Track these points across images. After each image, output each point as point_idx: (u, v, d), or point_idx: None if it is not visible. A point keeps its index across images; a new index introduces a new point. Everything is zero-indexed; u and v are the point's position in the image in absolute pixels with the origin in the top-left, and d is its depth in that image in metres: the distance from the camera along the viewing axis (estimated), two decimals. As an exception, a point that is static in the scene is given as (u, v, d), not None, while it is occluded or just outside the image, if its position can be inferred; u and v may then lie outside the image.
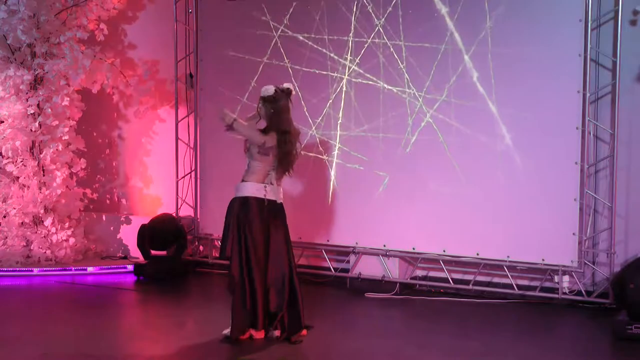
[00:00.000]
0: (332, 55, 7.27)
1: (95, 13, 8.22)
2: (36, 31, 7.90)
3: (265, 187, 5.49)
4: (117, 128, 8.66)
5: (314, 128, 7.38)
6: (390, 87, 7.03)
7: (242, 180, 5.50)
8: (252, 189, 5.46)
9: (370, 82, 7.12)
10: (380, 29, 7.02)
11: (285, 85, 5.53)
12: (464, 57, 6.66)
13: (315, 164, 7.36)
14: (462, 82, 6.69)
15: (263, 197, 5.46)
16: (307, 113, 7.36)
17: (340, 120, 7.26)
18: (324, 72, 7.30)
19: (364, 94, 7.16)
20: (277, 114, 5.46)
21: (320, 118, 7.34)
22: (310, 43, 7.34)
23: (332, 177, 7.30)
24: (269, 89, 5.46)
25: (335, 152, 7.27)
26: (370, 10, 7.07)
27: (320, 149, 7.33)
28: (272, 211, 5.53)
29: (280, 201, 5.56)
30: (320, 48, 7.32)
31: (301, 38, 7.37)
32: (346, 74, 7.20)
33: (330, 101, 7.29)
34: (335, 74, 7.27)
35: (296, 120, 5.76)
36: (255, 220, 5.44)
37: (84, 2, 8.13)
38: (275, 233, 5.52)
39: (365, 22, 7.13)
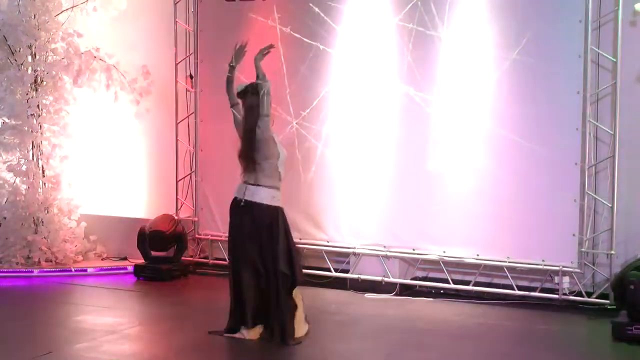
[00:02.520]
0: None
1: (95, 14, 8.21)
2: (36, 32, 7.90)
3: (245, 187, 5.50)
4: (117, 129, 8.64)
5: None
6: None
7: None
8: (236, 188, 5.57)
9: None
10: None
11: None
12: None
13: (315, 163, 7.35)
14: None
15: (237, 196, 5.52)
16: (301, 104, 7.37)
17: (328, 120, 7.24)
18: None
19: (376, 93, 7.07)
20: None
21: (308, 110, 7.32)
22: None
23: (332, 177, 7.29)
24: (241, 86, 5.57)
25: (336, 151, 7.27)
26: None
27: (317, 144, 7.33)
28: (250, 213, 5.48)
29: (260, 201, 5.45)
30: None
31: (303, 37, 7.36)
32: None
33: (328, 92, 7.26)
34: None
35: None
36: (232, 221, 5.54)
37: (84, 3, 8.13)
38: (254, 237, 5.48)
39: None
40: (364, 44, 7.08)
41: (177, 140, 8.19)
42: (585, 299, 6.41)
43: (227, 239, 5.67)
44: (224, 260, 6.50)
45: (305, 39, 7.29)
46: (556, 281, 6.50)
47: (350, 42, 7.14)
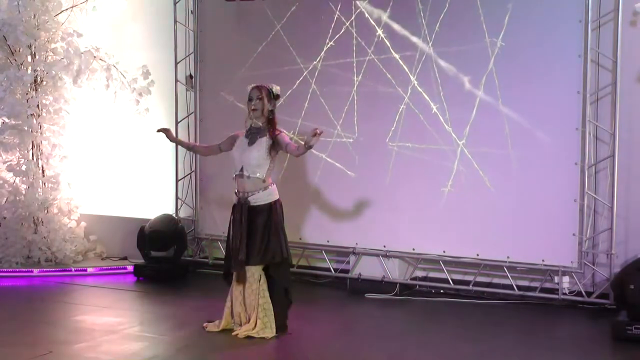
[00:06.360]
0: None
1: (95, 14, 8.21)
2: (36, 32, 7.90)
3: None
4: (117, 129, 8.65)
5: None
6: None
7: None
8: None
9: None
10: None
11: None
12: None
13: (316, 163, 7.35)
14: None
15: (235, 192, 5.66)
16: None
17: (340, 123, 7.27)
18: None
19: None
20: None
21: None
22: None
23: (333, 177, 7.29)
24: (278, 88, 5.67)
25: (336, 151, 7.27)
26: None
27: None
28: (242, 206, 5.57)
29: (247, 195, 5.54)
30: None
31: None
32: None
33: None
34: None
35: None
36: (231, 216, 5.68)
37: (84, 2, 8.13)
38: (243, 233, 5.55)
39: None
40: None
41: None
42: (585, 298, 6.41)
43: (226, 238, 5.77)
44: (223, 260, 6.49)
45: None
46: (556, 281, 6.50)
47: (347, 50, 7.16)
